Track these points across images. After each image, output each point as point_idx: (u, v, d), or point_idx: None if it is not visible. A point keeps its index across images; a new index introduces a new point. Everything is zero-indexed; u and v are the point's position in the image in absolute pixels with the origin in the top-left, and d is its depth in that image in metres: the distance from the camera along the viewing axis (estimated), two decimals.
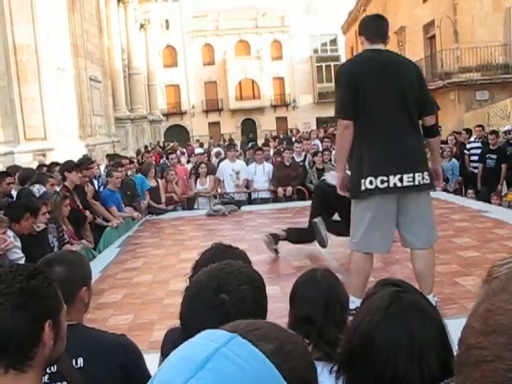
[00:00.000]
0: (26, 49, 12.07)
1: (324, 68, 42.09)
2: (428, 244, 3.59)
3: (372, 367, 1.06)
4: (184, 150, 20.62)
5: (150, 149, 18.42)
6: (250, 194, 9.20)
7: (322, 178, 5.83)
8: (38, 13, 12.12)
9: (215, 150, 15.12)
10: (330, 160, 8.81)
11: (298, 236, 5.52)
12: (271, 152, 11.20)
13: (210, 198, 8.94)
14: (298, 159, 9.17)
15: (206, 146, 24.88)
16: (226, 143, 19.62)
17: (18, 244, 4.48)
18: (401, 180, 3.39)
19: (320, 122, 37.84)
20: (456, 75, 18.17)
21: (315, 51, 43.30)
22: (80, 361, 1.69)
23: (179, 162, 12.18)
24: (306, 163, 9.26)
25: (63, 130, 13.08)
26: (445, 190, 8.89)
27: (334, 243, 5.31)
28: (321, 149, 9.94)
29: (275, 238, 5.43)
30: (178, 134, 38.56)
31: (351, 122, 3.41)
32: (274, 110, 43.29)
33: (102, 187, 8.04)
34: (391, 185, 3.38)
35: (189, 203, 9.27)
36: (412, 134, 3.48)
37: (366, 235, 3.50)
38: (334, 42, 43.34)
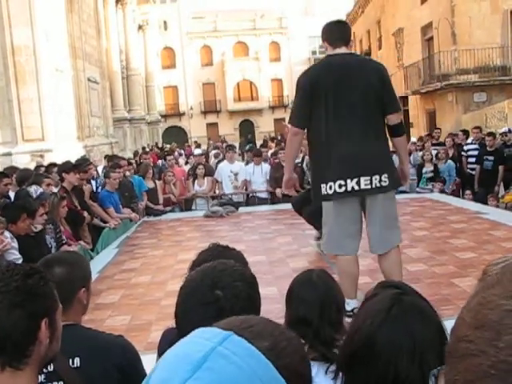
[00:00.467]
0: (25, 50, 12.05)
1: None
2: (387, 247, 3.55)
3: (373, 369, 1.07)
4: (182, 151, 20.60)
5: (147, 150, 18.40)
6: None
7: None
8: (36, 14, 12.10)
9: (213, 151, 15.11)
10: None
11: (302, 202, 5.28)
12: (269, 153, 11.20)
13: (208, 200, 8.94)
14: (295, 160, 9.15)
15: (204, 146, 24.88)
16: (225, 144, 19.58)
17: (16, 245, 4.48)
18: (358, 183, 3.43)
19: None
20: (454, 77, 18.17)
21: (313, 53, 43.26)
22: (77, 360, 1.68)
23: (177, 163, 12.18)
24: (304, 165, 9.24)
25: (61, 131, 13.05)
26: (442, 191, 8.91)
27: None
28: None
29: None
30: (176, 135, 38.53)
31: (301, 130, 3.60)
32: (272, 111, 43.30)
33: (99, 188, 8.03)
34: (349, 188, 3.44)
35: (187, 204, 9.26)
36: (372, 136, 3.51)
37: (332, 237, 3.58)
38: None
